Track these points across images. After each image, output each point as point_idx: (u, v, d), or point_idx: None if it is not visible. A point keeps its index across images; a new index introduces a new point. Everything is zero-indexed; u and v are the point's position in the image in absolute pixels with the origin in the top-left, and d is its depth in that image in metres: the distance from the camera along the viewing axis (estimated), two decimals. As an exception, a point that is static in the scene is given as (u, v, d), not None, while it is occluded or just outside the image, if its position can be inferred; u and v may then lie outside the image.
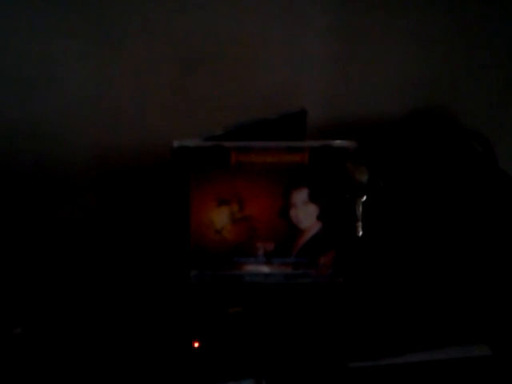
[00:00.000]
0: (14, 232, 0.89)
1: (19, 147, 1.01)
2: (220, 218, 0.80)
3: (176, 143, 0.78)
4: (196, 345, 0.76)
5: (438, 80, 1.16)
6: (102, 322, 0.77)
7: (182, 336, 0.77)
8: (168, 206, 0.82)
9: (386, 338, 0.78)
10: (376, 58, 1.11)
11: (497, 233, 0.93)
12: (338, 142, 0.80)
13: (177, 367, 0.74)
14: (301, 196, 0.81)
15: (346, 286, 0.83)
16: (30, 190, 0.99)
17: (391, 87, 1.14)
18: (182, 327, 0.78)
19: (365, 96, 1.13)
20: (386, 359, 0.75)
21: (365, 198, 0.89)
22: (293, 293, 0.82)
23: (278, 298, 0.81)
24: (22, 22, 0.92)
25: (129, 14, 0.96)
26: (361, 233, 0.88)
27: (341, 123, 1.13)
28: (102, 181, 1.00)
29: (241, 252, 0.82)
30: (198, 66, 1.02)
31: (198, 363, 0.74)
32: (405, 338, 0.78)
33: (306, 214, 0.81)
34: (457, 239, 0.91)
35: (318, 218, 0.81)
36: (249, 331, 0.78)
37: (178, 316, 0.79)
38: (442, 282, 0.85)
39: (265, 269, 0.83)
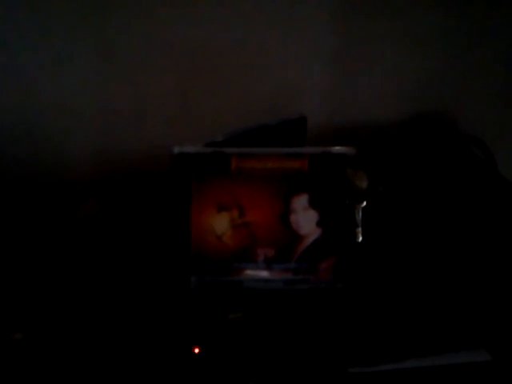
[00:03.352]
0: (14, 237, 0.89)
1: (18, 152, 1.01)
2: (220, 223, 0.81)
3: (176, 149, 0.78)
4: (196, 350, 0.76)
5: (437, 85, 1.16)
6: (103, 328, 0.77)
7: (182, 342, 0.76)
8: (168, 212, 0.82)
9: (385, 343, 0.78)
10: (375, 63, 1.11)
11: (496, 238, 0.93)
12: (337, 148, 0.80)
13: (177, 373, 0.73)
14: (301, 202, 0.81)
15: (345, 292, 0.83)
16: (29, 196, 0.99)
17: (390, 93, 1.14)
18: (182, 333, 0.78)
19: (364, 101, 1.13)
20: (385, 365, 0.75)
21: (364, 203, 0.90)
22: (293, 298, 0.82)
23: (278, 304, 0.81)
24: (22, 24, 0.92)
25: (130, 19, 0.96)
26: (361, 238, 0.88)
27: (340, 129, 1.13)
28: (102, 186, 1.01)
29: (241, 258, 0.82)
30: (198, 72, 1.03)
31: (199, 369, 0.74)
32: (404, 343, 0.78)
33: (305, 220, 0.81)
34: (456, 244, 0.92)
35: (318, 223, 0.81)
36: (249, 337, 0.78)
37: (178, 322, 0.79)
38: (442, 286, 0.85)
39: (265, 274, 0.83)
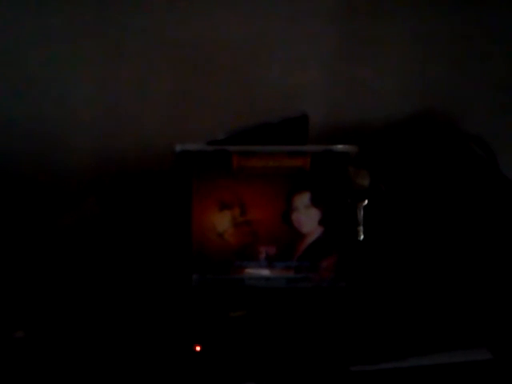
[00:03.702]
0: (15, 236, 0.89)
1: (19, 151, 1.01)
2: (222, 221, 0.81)
3: (178, 147, 0.78)
4: (197, 349, 0.76)
5: (439, 84, 1.16)
6: (104, 326, 0.77)
7: (183, 340, 0.77)
8: (170, 210, 0.82)
9: (387, 341, 0.78)
10: (377, 62, 1.11)
11: (498, 237, 0.93)
12: (339, 147, 0.80)
13: (178, 371, 0.74)
14: (303, 200, 0.81)
15: (347, 290, 0.83)
16: (30, 194, 0.99)
17: (392, 91, 1.14)
18: (183, 331, 0.78)
19: (366, 100, 1.13)
20: (387, 363, 0.76)
21: (366, 202, 0.90)
22: (294, 297, 0.82)
23: (280, 302, 0.81)
24: (24, 23, 0.92)
25: (131, 17, 0.96)
26: (362, 237, 0.88)
27: (342, 128, 1.13)
28: (103, 185, 1.01)
29: (242, 256, 0.82)
30: (199, 70, 1.02)
31: (200, 367, 0.74)
32: (406, 341, 0.78)
33: (307, 218, 0.81)
34: (458, 243, 0.92)
35: (320, 222, 0.81)
36: (250, 335, 0.78)
37: (180, 320, 0.79)
38: (443, 285, 0.85)
39: (266, 273, 0.83)
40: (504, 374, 0.76)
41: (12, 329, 0.76)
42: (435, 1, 1.08)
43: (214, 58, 1.02)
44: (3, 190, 0.97)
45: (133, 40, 0.98)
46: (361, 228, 0.88)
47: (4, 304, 0.79)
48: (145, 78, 1.01)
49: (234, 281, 0.83)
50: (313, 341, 0.77)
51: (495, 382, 0.76)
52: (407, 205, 0.98)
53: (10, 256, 0.86)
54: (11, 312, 0.79)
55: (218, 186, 0.79)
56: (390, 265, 0.87)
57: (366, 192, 0.91)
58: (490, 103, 1.20)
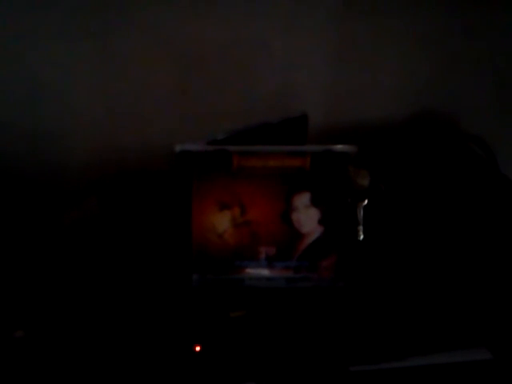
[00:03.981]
0: (16, 235, 0.89)
1: (19, 150, 1.01)
2: (222, 222, 0.81)
3: (178, 147, 0.78)
4: (197, 349, 0.76)
5: (439, 84, 1.16)
6: (104, 326, 0.78)
7: (183, 340, 0.77)
8: (170, 210, 0.82)
9: (386, 341, 0.78)
10: (376, 62, 1.11)
11: (497, 237, 0.93)
12: (339, 147, 0.80)
13: (178, 371, 0.74)
14: (302, 200, 0.81)
15: (347, 290, 0.83)
16: (31, 194, 0.99)
17: (392, 91, 1.14)
18: (183, 331, 0.78)
19: (365, 100, 1.13)
20: (386, 363, 0.76)
21: (366, 201, 0.90)
22: (294, 297, 0.82)
23: (280, 302, 0.81)
24: (24, 23, 0.92)
25: (131, 17, 0.96)
26: (362, 237, 0.88)
27: (342, 127, 1.13)
28: (103, 184, 1.01)
29: (242, 256, 0.82)
30: (199, 70, 1.02)
31: (200, 367, 0.74)
32: (406, 341, 0.78)
33: (307, 218, 0.81)
34: (457, 243, 0.92)
35: (320, 222, 0.82)
36: (250, 335, 0.78)
37: (180, 320, 0.79)
38: (443, 285, 0.85)
39: (266, 273, 0.83)
40: (504, 374, 0.76)
41: (12, 329, 0.76)
42: (435, 1, 1.08)
43: (213, 58, 1.02)
44: (3, 190, 0.97)
45: (132, 40, 0.97)
46: (361, 228, 0.88)
47: (4, 304, 0.79)
48: (145, 78, 1.01)
49: (233, 281, 0.83)
50: (313, 341, 0.77)
51: (495, 382, 0.76)
52: (407, 205, 0.98)
53: (10, 256, 0.86)
54: (11, 312, 0.79)
55: (217, 186, 0.79)
56: (390, 265, 0.87)
57: (366, 192, 0.91)
58: (489, 103, 1.20)
